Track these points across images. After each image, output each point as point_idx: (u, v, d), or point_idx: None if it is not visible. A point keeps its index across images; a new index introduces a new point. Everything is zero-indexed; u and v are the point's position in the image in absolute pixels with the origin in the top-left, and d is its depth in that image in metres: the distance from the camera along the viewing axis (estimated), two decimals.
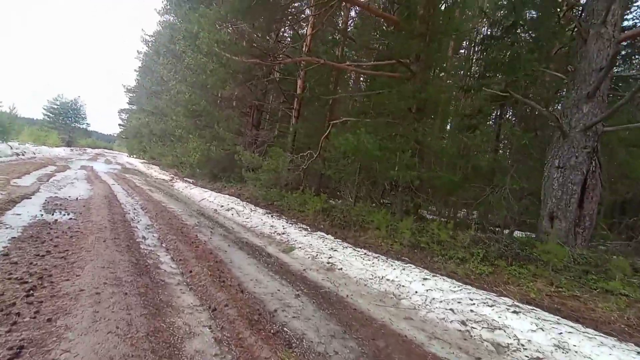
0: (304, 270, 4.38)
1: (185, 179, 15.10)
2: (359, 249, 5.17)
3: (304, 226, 6.73)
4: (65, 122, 40.36)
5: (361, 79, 13.58)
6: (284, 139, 13.03)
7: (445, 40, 7.69)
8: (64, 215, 5.07)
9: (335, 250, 5.04)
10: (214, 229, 6.20)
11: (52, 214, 4.98)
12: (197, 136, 13.04)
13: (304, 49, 11.70)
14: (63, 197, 6.68)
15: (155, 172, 18.42)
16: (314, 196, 8.24)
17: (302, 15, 11.67)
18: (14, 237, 3.59)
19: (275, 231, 6.32)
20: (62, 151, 25.31)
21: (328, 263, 4.67)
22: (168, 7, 22.82)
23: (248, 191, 11.31)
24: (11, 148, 14.85)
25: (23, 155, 15.50)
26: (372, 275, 4.18)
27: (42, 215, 4.83)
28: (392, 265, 4.39)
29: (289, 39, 13.73)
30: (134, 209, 6.73)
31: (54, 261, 3.06)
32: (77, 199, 6.66)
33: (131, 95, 34.14)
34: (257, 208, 8.48)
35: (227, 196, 10.24)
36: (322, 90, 11.53)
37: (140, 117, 26.43)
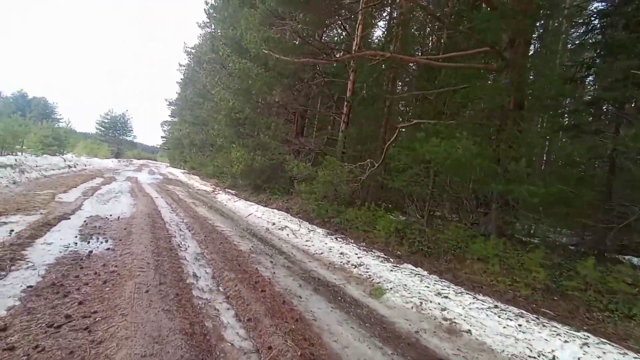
0: (416, 332, 3.00)
1: (227, 190, 14.35)
2: (478, 296, 3.70)
3: (382, 254, 5.35)
4: (114, 135, 42.46)
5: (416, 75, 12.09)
6: (332, 146, 11.82)
7: (549, 19, 6.06)
8: (101, 242, 4.12)
9: (446, 297, 3.61)
10: (273, 256, 5.02)
11: (88, 242, 4.05)
12: (239, 145, 12.21)
13: (353, 47, 10.52)
14: (104, 215, 5.86)
15: (196, 182, 17.99)
16: (383, 213, 6.86)
17: (358, 6, 10.49)
18: (31, 287, 2.58)
19: (348, 261, 5.00)
20: (110, 163, 26.08)
21: (445, 320, 3.25)
22: (208, 20, 22.91)
23: (297, 205, 10.17)
24: (64, 161, 15.02)
25: (75, 167, 15.65)
26: (530, 350, 2.71)
27: (76, 244, 3.89)
28: (549, 329, 2.89)
29: (337, 37, 12.62)
30: (180, 230, 5.74)
31: (72, 340, 1.96)
32: (118, 218, 5.80)
33: (173, 108, 35.04)
34: (315, 227, 7.25)
35: (275, 211, 9.14)
36: (377, 91, 10.21)
37: (181, 129, 26.67)
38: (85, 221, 5.11)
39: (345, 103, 10.96)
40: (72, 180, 10.58)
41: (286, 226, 7.27)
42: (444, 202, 6.91)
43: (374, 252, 5.45)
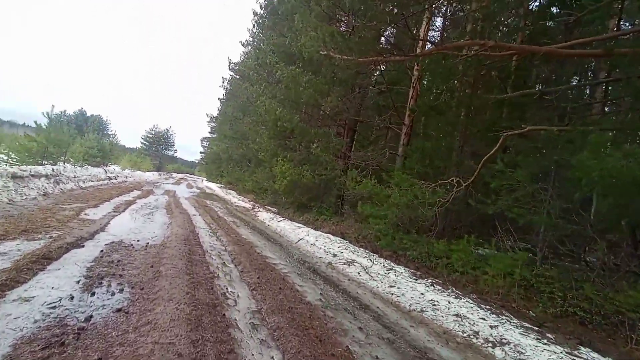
0: None
1: (267, 207, 12.96)
2: None
3: (520, 320, 3.43)
4: (157, 150, 43.63)
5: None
6: (390, 162, 10.07)
7: None
8: (113, 294, 2.62)
9: None
10: (357, 316, 3.29)
11: (93, 292, 2.57)
12: (284, 159, 10.83)
13: (417, 48, 8.94)
14: (130, 241, 4.48)
15: (233, 198, 16.88)
16: (493, 249, 4.92)
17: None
18: None
19: (476, 331, 3.14)
20: (151, 175, 26.06)
21: None
22: (251, 39, 22.58)
23: (353, 229, 8.44)
24: (105, 172, 14.52)
25: (116, 179, 15.12)
26: None
27: (72, 298, 2.41)
28: None
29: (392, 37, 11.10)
30: (224, 265, 4.20)
31: None
32: (147, 245, 4.38)
33: (212, 124, 35.29)
34: (391, 263, 5.45)
35: (329, 236, 7.47)
36: (459, 95, 8.47)
37: (220, 144, 26.28)
38: (102, 251, 3.71)
39: (408, 113, 9.28)
40: (108, 192, 9.66)
41: (353, 260, 5.54)
42: (584, 237, 4.83)
43: (504, 314, 3.53)
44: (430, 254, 5.74)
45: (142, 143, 42.79)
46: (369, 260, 5.53)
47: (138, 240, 4.54)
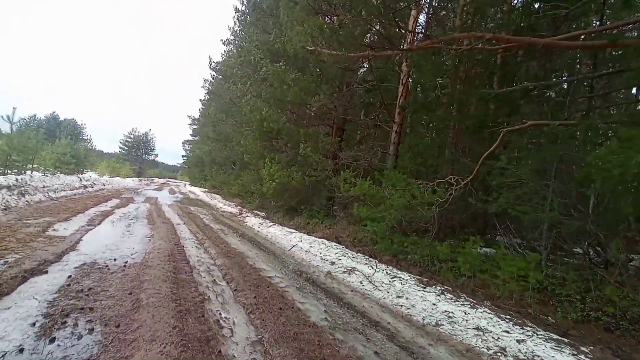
0: None
1: (254, 212, 12.43)
2: None
3: (550, 334, 3.14)
4: (137, 154, 41.88)
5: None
6: (381, 161, 9.78)
7: None
8: (78, 338, 2.09)
9: None
10: (368, 334, 2.92)
11: (52, 340, 2.03)
12: (272, 161, 10.35)
13: (406, 42, 8.72)
14: (105, 260, 3.92)
15: (219, 202, 16.21)
16: (502, 251, 4.67)
17: None
18: None
19: (502, 347, 2.83)
20: (131, 182, 24.82)
21: None
22: (232, 37, 21.85)
23: (347, 232, 8.08)
24: (80, 180, 13.54)
25: (92, 187, 14.14)
26: None
27: (20, 351, 1.87)
28: None
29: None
30: (214, 283, 3.72)
31: None
32: (125, 265, 3.84)
33: (194, 127, 34.16)
34: (394, 270, 5.11)
35: (323, 241, 7.08)
36: (453, 92, 8.24)
37: (202, 147, 25.38)
38: (69, 277, 3.15)
39: (398, 110, 9.01)
40: (82, 203, 8.88)
41: (353, 268, 5.17)
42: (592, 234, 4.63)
43: (528, 325, 3.24)
44: (433, 257, 5.45)
45: (120, 148, 40.99)
46: (370, 267, 5.17)
47: (115, 260, 3.99)
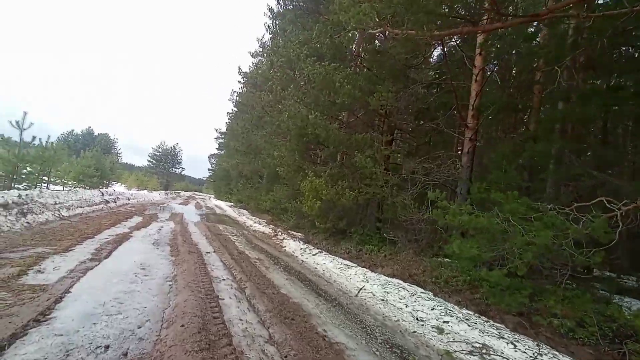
0: None
1: (290, 232, 10.62)
2: None
3: None
4: (164, 168, 41.74)
5: None
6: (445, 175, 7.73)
7: None
8: None
9: None
10: None
11: None
12: (315, 174, 8.58)
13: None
14: (89, 348, 2.18)
15: (248, 220, 14.58)
16: None
17: None
18: None
19: None
20: (157, 195, 23.89)
21: None
22: (260, 48, 20.87)
23: (419, 267, 6.04)
24: (102, 195, 12.34)
25: (115, 202, 12.92)
26: None
27: None
28: None
29: None
30: None
31: None
32: (124, 357, 2.08)
33: (221, 140, 33.47)
34: (560, 356, 3.06)
35: (399, 282, 5.13)
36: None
37: (229, 160, 24.23)
38: None
39: (472, 113, 7.07)
40: (97, 223, 7.41)
41: (483, 346, 3.15)
42: None
43: None
44: (602, 322, 3.33)
45: (149, 161, 41.00)
46: (510, 344, 3.13)
47: (107, 346, 2.22)
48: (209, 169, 39.56)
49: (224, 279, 4.41)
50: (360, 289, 4.99)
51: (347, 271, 5.94)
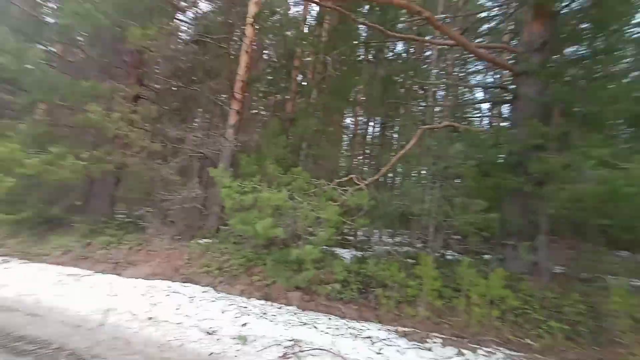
0: None
1: None
2: None
3: None
4: None
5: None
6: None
7: None
8: None
9: None
10: None
11: None
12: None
13: None
14: None
15: None
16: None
17: None
18: None
19: None
20: None
21: None
22: None
23: (183, 257, 4.87)
24: None
25: None
26: None
27: None
28: None
29: None
30: None
31: None
32: None
33: None
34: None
35: (164, 284, 3.91)
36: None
37: None
38: None
39: (241, 84, 6.86)
40: None
41: (294, 341, 2.85)
42: None
43: None
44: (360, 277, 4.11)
45: None
46: (313, 328, 3.07)
47: None
48: None
49: None
50: (107, 311, 3.21)
51: (73, 286, 3.72)
